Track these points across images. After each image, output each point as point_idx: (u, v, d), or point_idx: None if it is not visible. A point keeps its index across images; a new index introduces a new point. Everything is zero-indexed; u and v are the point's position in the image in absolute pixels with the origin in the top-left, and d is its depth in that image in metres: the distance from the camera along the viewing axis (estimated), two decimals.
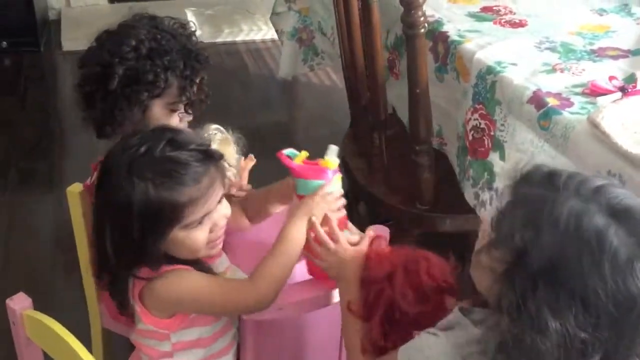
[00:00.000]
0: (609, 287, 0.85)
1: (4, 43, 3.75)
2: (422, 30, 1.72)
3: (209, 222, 1.23)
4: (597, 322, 0.86)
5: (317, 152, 2.52)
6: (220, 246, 1.31)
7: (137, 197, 1.15)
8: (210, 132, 1.65)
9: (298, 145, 3.17)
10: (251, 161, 1.73)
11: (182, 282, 1.22)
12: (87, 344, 1.66)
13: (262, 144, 3.25)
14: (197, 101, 1.55)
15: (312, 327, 1.61)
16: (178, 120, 1.53)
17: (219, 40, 4.08)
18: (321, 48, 2.72)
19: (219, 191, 1.23)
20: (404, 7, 1.69)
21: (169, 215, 1.17)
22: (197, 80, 1.52)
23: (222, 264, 1.34)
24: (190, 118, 1.57)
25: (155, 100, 1.48)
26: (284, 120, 3.51)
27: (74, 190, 1.56)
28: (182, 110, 1.51)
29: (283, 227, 1.29)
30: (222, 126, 1.71)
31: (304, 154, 1.38)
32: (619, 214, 0.89)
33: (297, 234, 1.28)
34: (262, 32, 4.14)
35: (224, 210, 1.26)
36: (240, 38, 4.13)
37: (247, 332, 1.46)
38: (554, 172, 0.94)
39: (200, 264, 1.26)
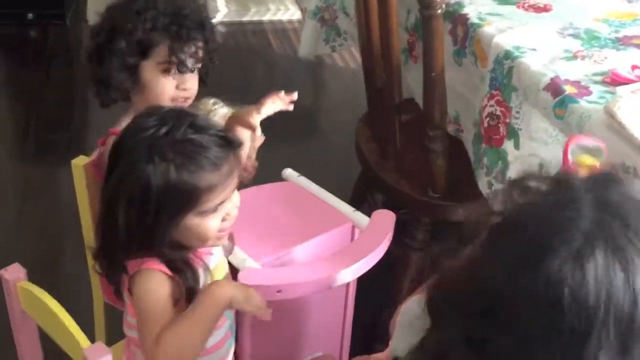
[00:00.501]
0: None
1: (30, 15, 3.75)
2: (439, 10, 1.67)
3: (222, 210, 1.20)
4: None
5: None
6: (226, 237, 1.29)
7: (157, 178, 1.13)
8: (212, 107, 1.61)
9: (319, 129, 3.17)
10: (261, 139, 1.70)
11: (151, 287, 1.17)
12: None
13: (283, 126, 3.25)
14: (202, 66, 1.53)
15: (313, 311, 1.58)
16: (174, 86, 1.49)
17: (246, 19, 4.04)
18: (344, 29, 2.66)
19: (235, 180, 1.22)
20: None
21: (188, 199, 1.15)
22: (197, 45, 1.49)
23: (213, 260, 1.30)
24: (193, 89, 1.53)
25: (145, 63, 1.47)
26: (307, 102, 3.46)
27: (79, 163, 1.55)
28: (176, 72, 1.48)
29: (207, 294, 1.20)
30: (239, 104, 1.67)
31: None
32: (609, 214, 0.75)
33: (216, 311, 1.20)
34: (290, 12, 4.09)
35: (237, 200, 1.25)
36: (267, 17, 4.09)
37: (245, 318, 1.44)
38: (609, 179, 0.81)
39: (189, 266, 1.21)
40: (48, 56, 3.61)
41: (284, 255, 1.50)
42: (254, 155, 1.70)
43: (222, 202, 1.19)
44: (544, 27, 1.78)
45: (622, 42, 1.72)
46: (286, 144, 2.96)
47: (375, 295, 1.75)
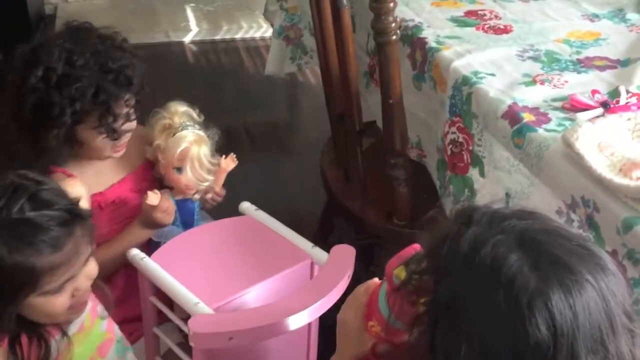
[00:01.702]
0: (500, 323, 0.73)
1: None
2: (394, 37, 1.61)
3: (70, 287, 1.12)
4: None
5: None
6: (84, 311, 1.20)
7: None
8: (182, 123, 1.55)
9: (292, 147, 3.11)
10: (232, 162, 1.65)
11: None
12: None
13: (252, 144, 3.20)
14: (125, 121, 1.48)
15: (274, 350, 1.53)
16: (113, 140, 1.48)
17: (218, 37, 3.99)
18: (310, 47, 2.63)
19: (85, 254, 1.12)
20: (374, 13, 1.58)
21: (24, 282, 1.06)
22: (127, 102, 1.46)
23: (73, 325, 1.22)
24: (131, 129, 1.50)
25: (79, 126, 1.44)
26: (278, 121, 3.42)
27: None
28: (105, 135, 1.46)
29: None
30: (202, 121, 1.61)
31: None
32: (526, 244, 0.76)
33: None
34: (262, 29, 4.04)
35: (91, 271, 1.16)
36: (239, 35, 4.04)
37: None
38: (472, 207, 0.83)
39: (39, 338, 1.13)
40: None
41: (239, 297, 1.44)
42: (218, 186, 1.65)
43: (68, 279, 1.10)
44: (503, 50, 1.73)
45: (582, 64, 1.68)
46: (257, 163, 2.92)
47: None
